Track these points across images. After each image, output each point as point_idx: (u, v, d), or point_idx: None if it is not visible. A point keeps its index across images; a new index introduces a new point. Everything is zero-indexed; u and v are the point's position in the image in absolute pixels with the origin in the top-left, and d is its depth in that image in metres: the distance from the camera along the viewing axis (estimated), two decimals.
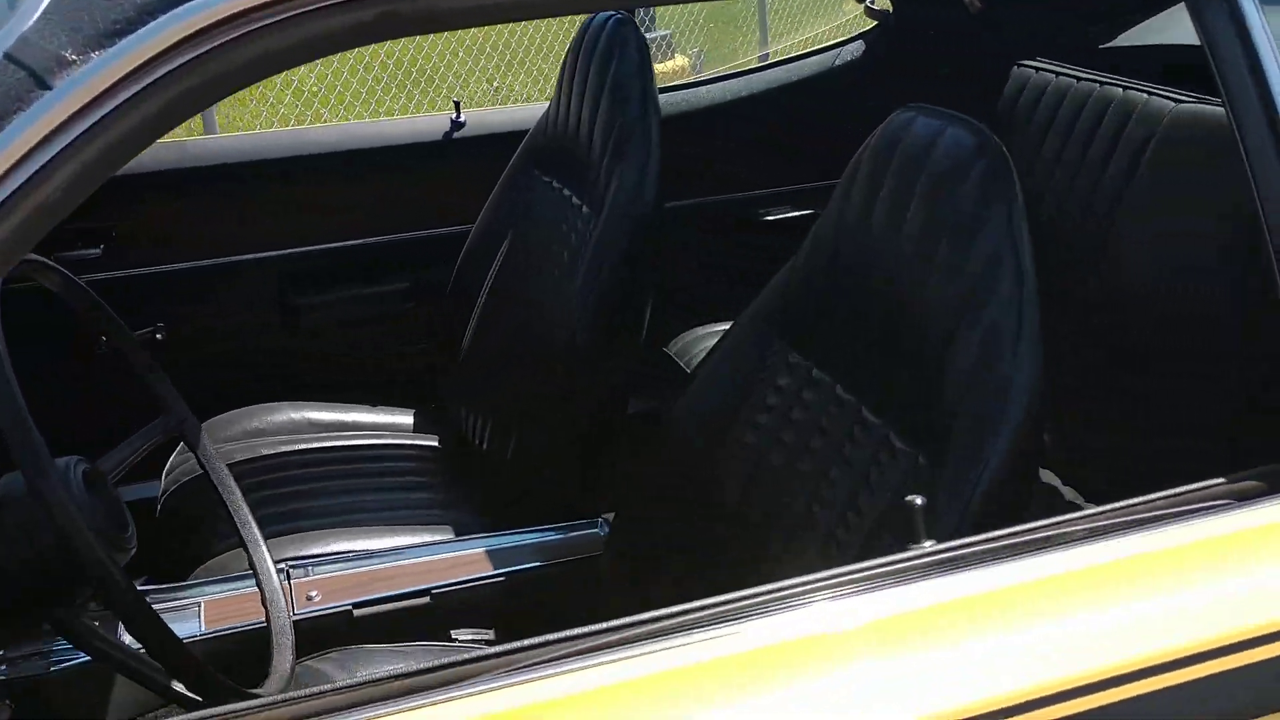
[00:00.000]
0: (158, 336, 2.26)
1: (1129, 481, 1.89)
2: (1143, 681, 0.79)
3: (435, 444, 2.19)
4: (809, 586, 0.85)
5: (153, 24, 0.67)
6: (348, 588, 1.65)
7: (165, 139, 2.32)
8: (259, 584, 1.34)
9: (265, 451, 2.08)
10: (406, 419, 2.28)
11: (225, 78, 0.71)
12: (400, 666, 1.48)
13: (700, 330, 2.46)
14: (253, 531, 1.35)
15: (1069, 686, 0.79)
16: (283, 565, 1.67)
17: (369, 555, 1.75)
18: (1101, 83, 2.16)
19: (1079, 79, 2.21)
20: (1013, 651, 0.82)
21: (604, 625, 0.84)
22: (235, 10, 0.69)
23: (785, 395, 1.38)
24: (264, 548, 1.35)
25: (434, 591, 1.64)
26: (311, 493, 1.98)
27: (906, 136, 1.24)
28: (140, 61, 0.67)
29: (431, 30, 0.77)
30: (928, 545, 0.86)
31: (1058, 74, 2.26)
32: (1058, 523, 0.87)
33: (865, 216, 1.28)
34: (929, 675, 0.81)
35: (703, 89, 2.50)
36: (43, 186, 0.68)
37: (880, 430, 1.23)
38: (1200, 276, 1.83)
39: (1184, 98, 2.00)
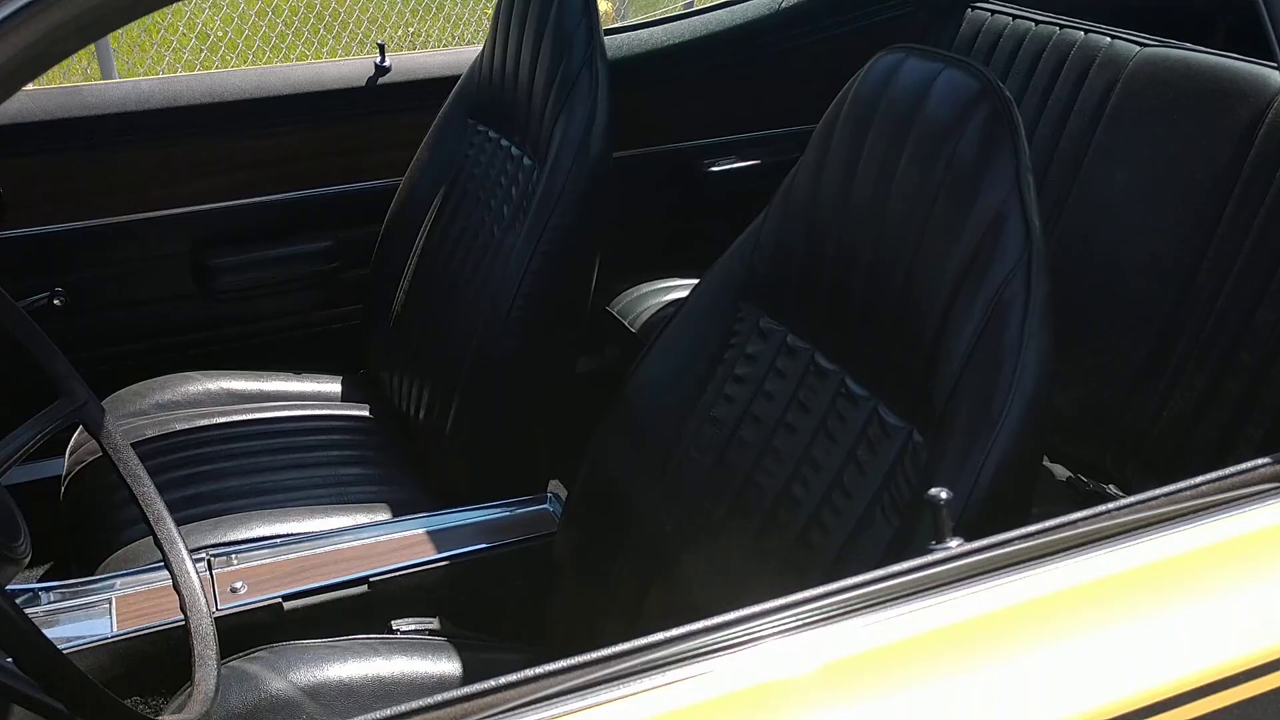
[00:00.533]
0: (55, 303, 2.07)
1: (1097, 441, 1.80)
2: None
3: (366, 413, 2.05)
4: (811, 604, 0.74)
5: None
6: (276, 577, 1.51)
7: (58, 84, 2.12)
8: (176, 587, 1.20)
9: (179, 426, 1.92)
10: (334, 387, 2.13)
11: None
12: (339, 673, 1.37)
13: (645, 287, 2.34)
14: (168, 528, 1.21)
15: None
16: (202, 554, 1.53)
17: (298, 539, 1.61)
18: (1061, 25, 2.07)
19: (1037, 21, 2.12)
20: (1079, 666, 0.72)
21: (549, 669, 0.71)
22: None
23: (757, 364, 1.26)
24: (180, 545, 1.21)
25: (372, 579, 1.51)
26: (232, 471, 1.83)
27: (895, 81, 1.12)
28: None
29: None
30: (954, 544, 0.76)
31: (1015, 16, 2.17)
32: (1094, 515, 0.77)
33: (847, 173, 1.16)
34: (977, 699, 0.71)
35: (644, 32, 2.36)
36: None
37: (868, 403, 1.13)
38: (1165, 224, 1.77)
39: (1149, 41, 1.92)
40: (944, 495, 0.77)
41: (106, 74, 4.52)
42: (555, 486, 1.96)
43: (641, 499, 1.37)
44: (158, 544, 1.20)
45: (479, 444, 1.75)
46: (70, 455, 1.89)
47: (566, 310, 1.74)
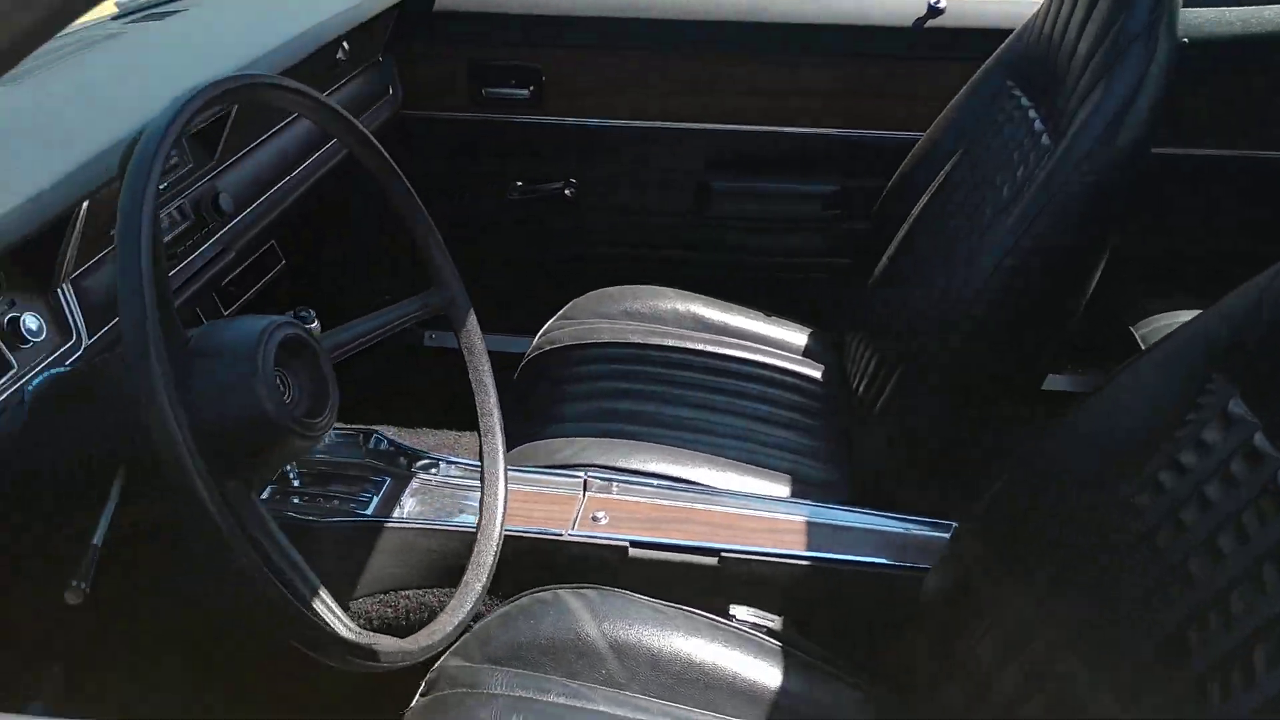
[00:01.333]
0: (566, 193, 2.16)
1: None
2: None
3: (818, 375, 1.91)
4: None
5: None
6: (637, 520, 1.44)
7: None
8: (480, 506, 1.17)
9: (633, 339, 1.91)
10: (799, 339, 2.01)
11: None
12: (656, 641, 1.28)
13: (1182, 315, 1.93)
14: (494, 441, 1.17)
15: None
16: (581, 473, 1.51)
17: (680, 487, 1.53)
18: None
19: None
20: None
21: None
22: None
23: (1208, 457, 0.94)
24: (501, 465, 1.17)
25: (725, 553, 1.39)
26: (660, 396, 1.79)
27: None
28: None
29: None
30: None
31: None
32: None
33: None
34: None
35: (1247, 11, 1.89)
36: None
37: None
38: None
39: None
40: None
41: None
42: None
43: (1025, 570, 1.10)
44: (481, 454, 1.17)
45: (903, 438, 1.54)
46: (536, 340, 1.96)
47: (1040, 317, 1.46)
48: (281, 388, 1.01)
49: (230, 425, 0.96)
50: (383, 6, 1.89)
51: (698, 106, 2.03)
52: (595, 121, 2.09)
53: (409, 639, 1.06)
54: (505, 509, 1.24)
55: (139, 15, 1.71)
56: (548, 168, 2.14)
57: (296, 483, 1.48)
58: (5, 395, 1.06)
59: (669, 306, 2.02)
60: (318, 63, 1.70)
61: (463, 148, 2.16)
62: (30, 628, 1.18)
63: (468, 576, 1.19)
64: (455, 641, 1.14)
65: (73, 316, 1.18)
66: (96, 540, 0.92)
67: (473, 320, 1.28)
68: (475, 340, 1.27)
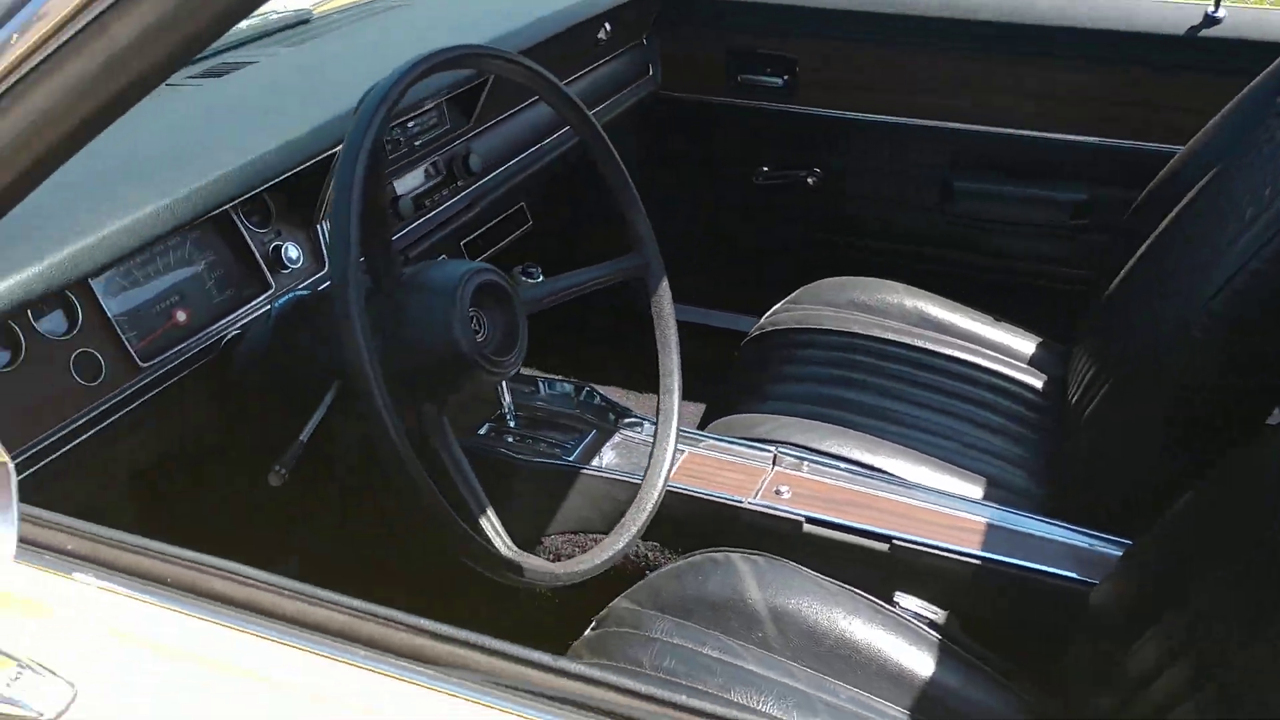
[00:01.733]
0: (808, 180, 2.20)
1: None
2: None
3: (1038, 385, 1.87)
4: None
5: None
6: (818, 498, 1.48)
7: None
8: (650, 456, 1.24)
9: (855, 329, 1.94)
10: (1026, 347, 1.97)
11: None
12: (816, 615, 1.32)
13: None
14: (671, 401, 1.25)
15: None
16: (771, 449, 1.56)
17: (869, 474, 1.55)
18: None
19: None
20: None
21: None
22: None
23: None
24: (674, 424, 1.24)
25: (897, 541, 1.41)
26: (871, 387, 1.81)
27: None
28: None
29: None
30: None
31: None
32: None
33: None
34: None
35: None
36: None
37: None
38: None
39: None
40: None
41: None
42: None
43: (1207, 581, 1.07)
44: (658, 410, 1.25)
45: (1103, 451, 1.51)
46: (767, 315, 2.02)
47: (1264, 345, 1.39)
48: (476, 326, 1.13)
49: (425, 351, 1.08)
50: None
51: (948, 105, 2.03)
52: (845, 114, 2.12)
53: (558, 564, 1.16)
54: (671, 465, 1.32)
55: None
56: (794, 155, 2.19)
57: (513, 423, 1.61)
58: (260, 311, 1.24)
59: (896, 301, 2.03)
60: (575, 40, 1.82)
61: (715, 130, 2.24)
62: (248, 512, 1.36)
63: (625, 520, 1.27)
64: (598, 573, 1.23)
65: (326, 249, 1.36)
66: (303, 437, 1.07)
67: (664, 287, 1.36)
68: (665, 306, 1.36)
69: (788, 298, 2.05)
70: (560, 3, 1.82)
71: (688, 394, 2.33)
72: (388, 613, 0.67)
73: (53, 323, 1.09)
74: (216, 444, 1.28)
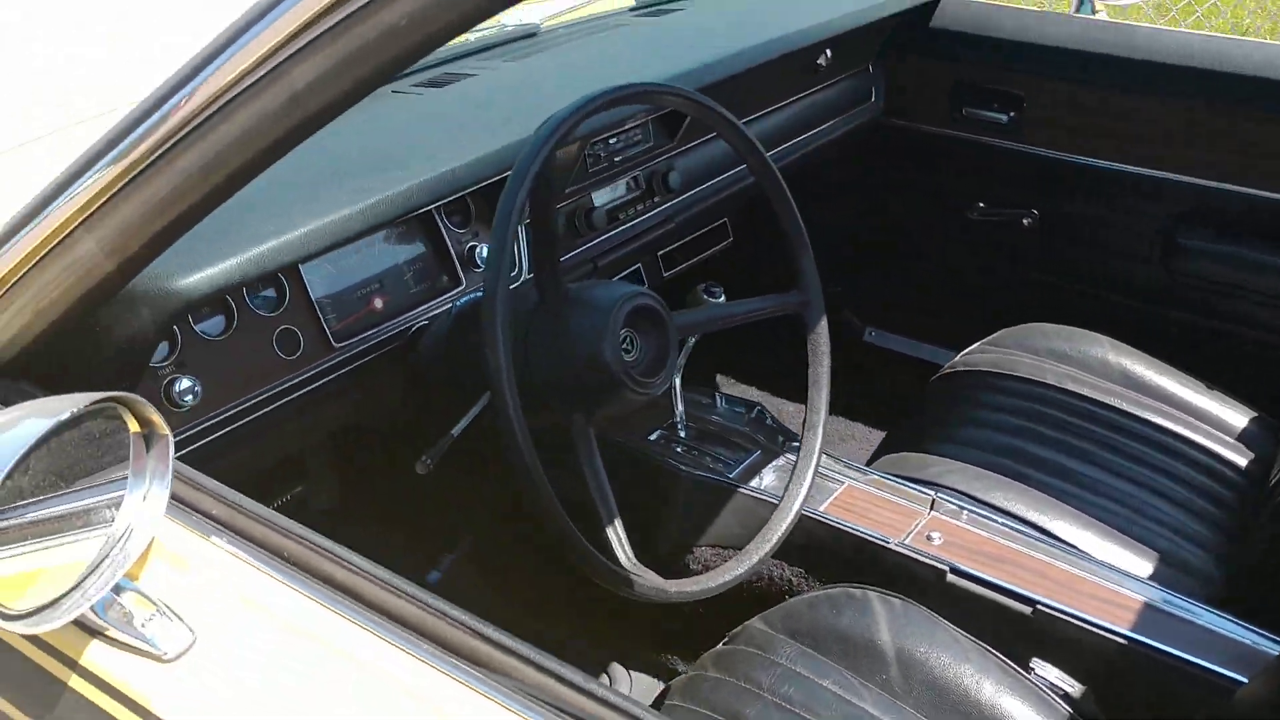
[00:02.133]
0: (1024, 221, 2.15)
1: None
2: None
3: (1242, 463, 1.77)
4: None
5: None
6: (969, 550, 1.47)
7: (1105, 17, 2.09)
8: (789, 480, 1.27)
9: (1049, 380, 1.89)
10: (1237, 419, 1.86)
11: None
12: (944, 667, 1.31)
13: None
14: (814, 437, 1.27)
15: None
16: (931, 492, 1.56)
17: (1032, 533, 1.52)
18: None
19: None
20: None
21: None
22: None
23: None
24: (815, 458, 1.26)
25: (1041, 606, 1.38)
26: (1054, 442, 1.76)
27: None
28: None
29: None
30: None
31: None
32: None
33: None
34: None
35: None
36: (385, 10, 0.68)
37: None
38: None
39: None
40: None
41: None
42: None
43: None
44: (800, 443, 1.28)
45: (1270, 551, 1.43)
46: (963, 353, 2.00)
47: None
48: (628, 346, 1.19)
49: (576, 364, 1.16)
50: (877, 17, 2.00)
51: (1179, 156, 1.93)
52: (1069, 156, 2.06)
53: (672, 581, 1.21)
54: (803, 501, 1.34)
55: (645, 11, 1.97)
56: (1012, 193, 2.14)
57: (683, 433, 1.67)
58: (444, 306, 1.35)
59: (1099, 355, 1.96)
60: (794, 65, 1.85)
61: (934, 160, 2.22)
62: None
63: (748, 548, 1.31)
64: (710, 595, 1.27)
65: (519, 252, 1.45)
66: (455, 432, 1.16)
67: (823, 325, 1.38)
68: (821, 344, 1.37)
69: (988, 338, 2.02)
70: (788, 25, 1.85)
71: (870, 420, 2.33)
72: (476, 624, 0.73)
73: (263, 300, 1.22)
74: (397, 424, 1.39)
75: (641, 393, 1.19)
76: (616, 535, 1.17)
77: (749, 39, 1.76)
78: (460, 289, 1.39)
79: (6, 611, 0.68)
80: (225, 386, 1.17)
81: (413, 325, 1.35)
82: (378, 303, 1.34)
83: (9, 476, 0.65)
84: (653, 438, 1.66)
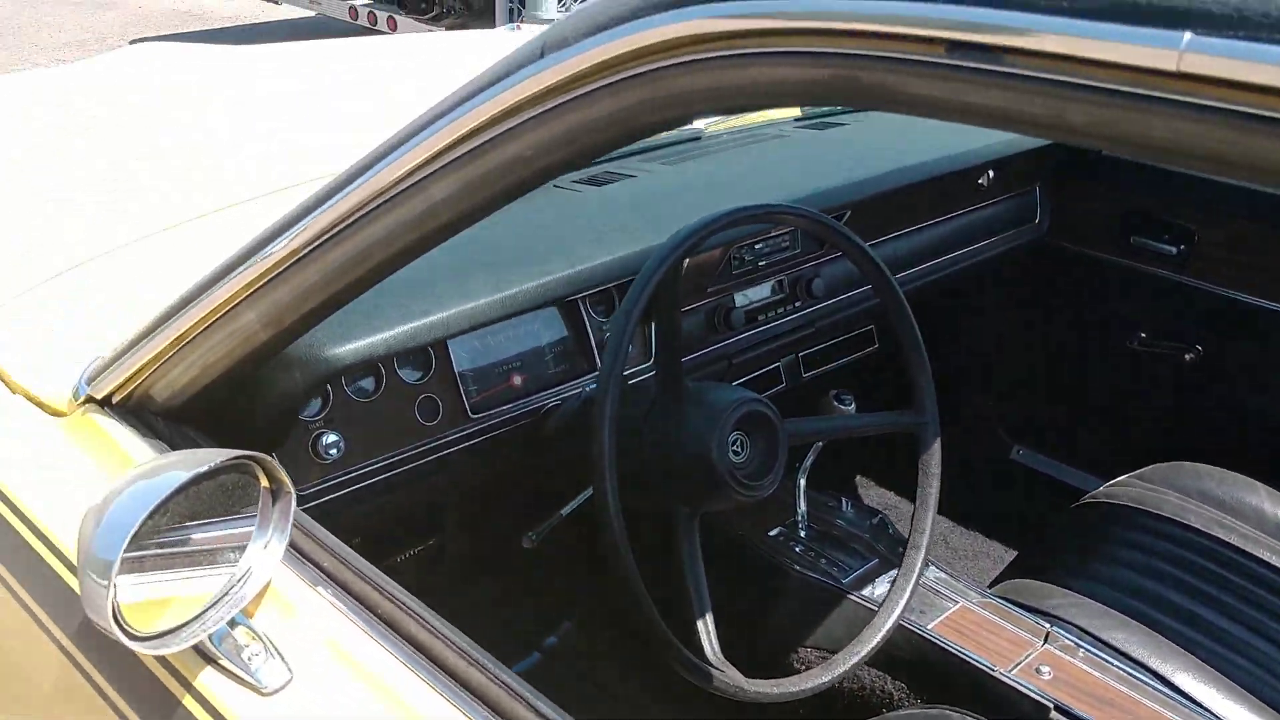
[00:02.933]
0: (1187, 356, 2.10)
1: None
2: None
3: None
4: None
5: (619, 29, 0.69)
6: (1080, 690, 1.44)
7: None
8: (888, 595, 1.29)
9: (1194, 523, 1.83)
10: None
11: (677, 99, 0.69)
12: None
13: None
14: (914, 559, 1.28)
15: None
16: (1046, 624, 1.53)
17: (1153, 682, 1.48)
18: None
19: None
20: None
21: None
22: (688, 34, 0.66)
23: None
24: (913, 579, 1.27)
25: None
26: (1191, 590, 1.70)
27: None
28: (598, 61, 0.70)
29: (887, 107, 0.63)
30: None
31: None
32: None
33: None
34: None
35: None
36: (513, 142, 0.77)
37: None
38: None
39: None
40: None
41: None
42: None
43: None
44: (901, 562, 1.29)
45: None
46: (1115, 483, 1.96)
47: None
48: (738, 449, 1.24)
49: (685, 460, 1.21)
50: (1047, 142, 2.01)
51: None
52: (1240, 295, 2.01)
53: (754, 680, 1.23)
54: (897, 620, 1.35)
55: (809, 123, 2.03)
56: (1177, 327, 2.10)
57: (803, 533, 1.70)
58: (577, 390, 1.43)
59: (1255, 503, 1.88)
60: (955, 183, 1.88)
61: (1097, 286, 2.19)
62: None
63: (836, 656, 1.32)
64: (785, 700, 1.29)
65: (654, 344, 1.52)
66: (563, 512, 1.23)
67: (937, 446, 1.39)
68: (933, 466, 1.39)
69: (1136, 471, 1.97)
70: (951, 145, 1.89)
71: (1004, 539, 2.29)
72: (553, 713, 0.79)
73: (411, 368, 1.33)
74: (519, 495, 1.48)
75: (745, 495, 1.23)
76: (706, 627, 1.21)
77: (908, 157, 1.80)
78: (596, 374, 1.48)
79: (136, 633, 0.78)
80: (366, 444, 1.27)
81: (545, 404, 1.44)
82: (517, 379, 1.43)
83: (151, 516, 0.76)
84: (772, 534, 1.69)
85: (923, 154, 1.83)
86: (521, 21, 3.52)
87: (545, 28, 0.78)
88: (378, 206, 0.84)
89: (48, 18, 8.35)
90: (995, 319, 2.35)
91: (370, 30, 6.62)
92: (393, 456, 1.29)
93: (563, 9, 4.71)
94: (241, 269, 0.93)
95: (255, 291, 0.92)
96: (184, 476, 0.77)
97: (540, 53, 0.75)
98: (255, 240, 0.92)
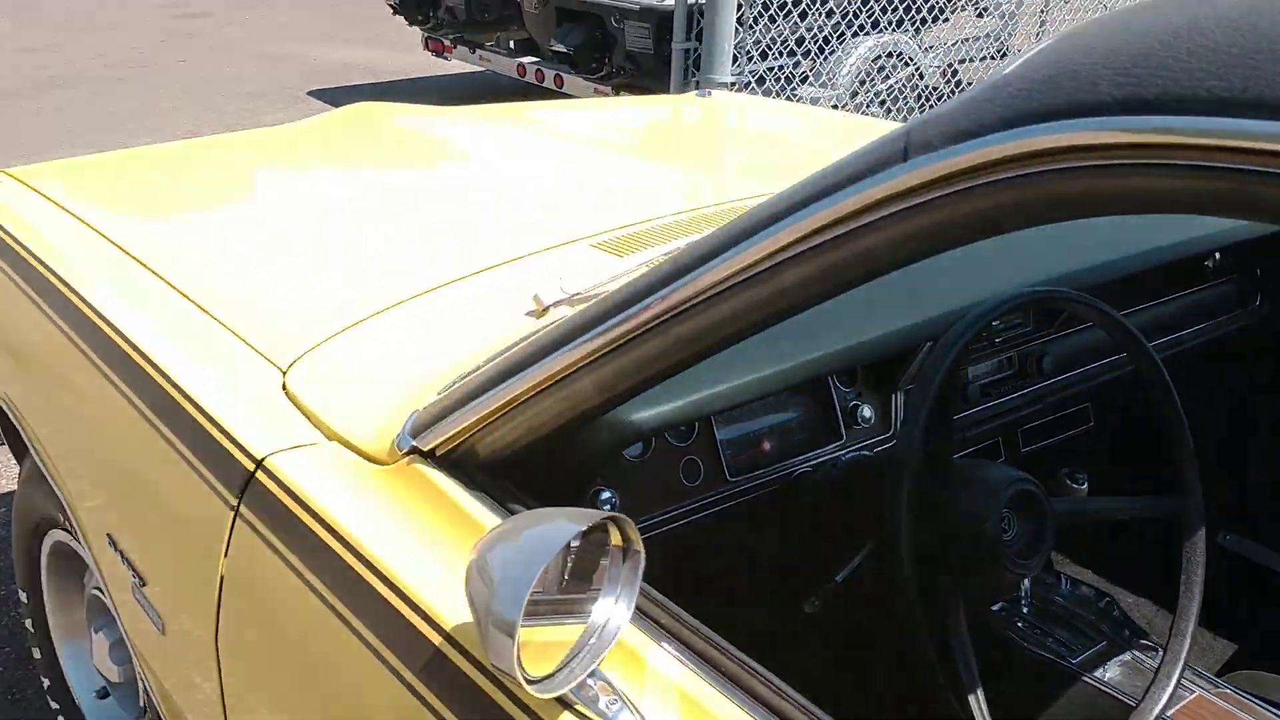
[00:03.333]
0: None
1: None
2: None
3: None
4: None
5: (993, 137, 0.74)
6: None
7: None
8: (1149, 687, 1.29)
9: None
10: None
11: (1051, 202, 0.73)
12: None
13: None
14: (1180, 646, 1.28)
15: None
16: None
17: None
18: None
19: None
20: None
21: None
22: (1069, 144, 0.70)
23: None
24: (1178, 669, 1.27)
25: None
26: None
27: None
28: (967, 165, 0.75)
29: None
30: None
31: None
32: None
33: None
34: None
35: None
36: (871, 235, 0.83)
37: None
38: None
39: None
40: None
41: None
42: None
43: None
44: (1164, 651, 1.29)
45: None
46: None
47: None
48: (1006, 526, 1.27)
49: (958, 535, 1.25)
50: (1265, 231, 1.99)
51: None
52: None
53: None
54: (1164, 707, 1.34)
55: None
56: None
57: (1025, 609, 1.71)
58: (828, 457, 1.48)
59: None
60: (1184, 265, 1.88)
61: None
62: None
63: None
64: None
65: (896, 416, 1.56)
66: (839, 578, 1.27)
67: (1200, 534, 1.39)
68: (1196, 552, 1.39)
69: None
70: (1191, 227, 1.88)
71: (1215, 628, 2.24)
72: None
73: (677, 434, 1.40)
74: (784, 559, 1.52)
75: (1015, 572, 1.26)
76: (979, 704, 1.23)
77: (1146, 240, 1.80)
78: (840, 442, 1.52)
79: (530, 676, 0.85)
80: (638, 500, 1.34)
81: (795, 470, 1.49)
82: (766, 445, 1.49)
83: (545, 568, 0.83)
84: (995, 608, 1.70)
85: (1159, 236, 1.83)
86: (708, 89, 3.62)
87: (904, 125, 0.83)
88: (729, 288, 0.90)
89: (228, 69, 8.86)
90: (1202, 402, 2.31)
91: (537, 87, 6.84)
92: (663, 514, 1.36)
93: (737, 71, 4.80)
94: (582, 339, 1.00)
95: (596, 359, 1.00)
96: (573, 530, 0.84)
97: (904, 154, 0.80)
98: (595, 312, 1.00)
